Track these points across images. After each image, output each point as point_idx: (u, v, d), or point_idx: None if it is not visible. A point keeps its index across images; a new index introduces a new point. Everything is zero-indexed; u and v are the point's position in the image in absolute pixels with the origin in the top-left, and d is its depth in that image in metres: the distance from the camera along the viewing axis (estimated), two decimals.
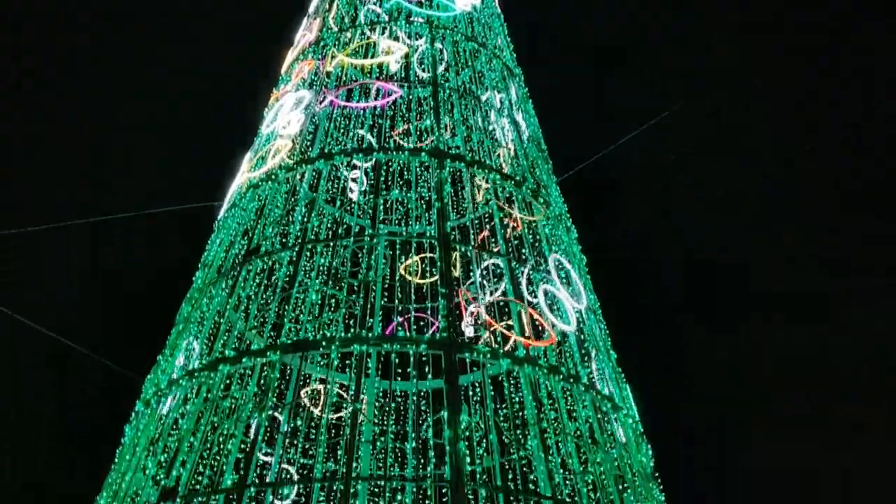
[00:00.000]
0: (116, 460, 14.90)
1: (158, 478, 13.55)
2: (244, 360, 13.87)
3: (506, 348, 13.77)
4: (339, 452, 15.01)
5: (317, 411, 16.61)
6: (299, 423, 16.47)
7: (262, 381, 14.04)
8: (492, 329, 13.94)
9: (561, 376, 13.62)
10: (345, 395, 16.43)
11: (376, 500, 15.30)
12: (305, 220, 15.04)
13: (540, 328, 14.15)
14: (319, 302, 14.56)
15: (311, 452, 16.15)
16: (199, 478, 13.32)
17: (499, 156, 16.16)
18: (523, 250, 15.06)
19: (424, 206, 16.97)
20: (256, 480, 14.42)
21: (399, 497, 15.53)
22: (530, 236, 15.11)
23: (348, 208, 16.93)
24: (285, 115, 16.67)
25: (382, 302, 15.19)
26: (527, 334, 13.93)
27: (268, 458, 15.40)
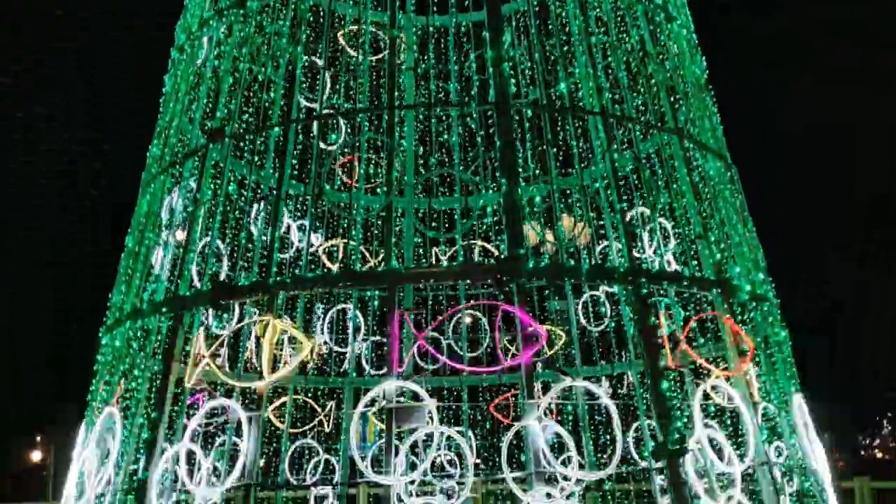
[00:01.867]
0: (161, 110, 14.88)
1: (205, 126, 13.49)
2: None
3: None
4: (382, 93, 14.65)
5: (354, 53, 16.09)
6: (337, 68, 16.09)
7: (295, 18, 13.49)
8: None
9: None
10: (381, 33, 15.81)
11: (425, 126, 15.28)
12: None
13: None
14: None
15: (352, 92, 15.96)
16: (246, 116, 13.26)
17: None
18: None
19: None
20: (303, 115, 14.46)
21: (445, 136, 15.54)
22: None
23: None
24: None
25: None
26: None
27: (312, 105, 15.23)
